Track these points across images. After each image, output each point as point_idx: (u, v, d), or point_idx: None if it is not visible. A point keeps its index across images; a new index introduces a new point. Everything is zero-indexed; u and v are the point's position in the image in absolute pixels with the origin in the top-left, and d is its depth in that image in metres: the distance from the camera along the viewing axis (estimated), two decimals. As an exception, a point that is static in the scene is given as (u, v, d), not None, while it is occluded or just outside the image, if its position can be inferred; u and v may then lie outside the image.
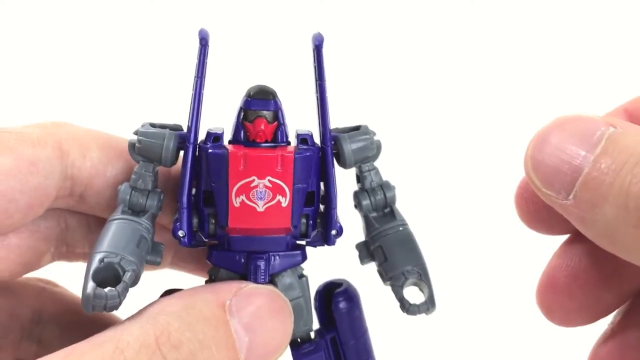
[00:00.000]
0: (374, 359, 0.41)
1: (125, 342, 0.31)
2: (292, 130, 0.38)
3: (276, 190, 0.36)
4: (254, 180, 0.35)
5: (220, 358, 0.33)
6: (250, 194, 0.35)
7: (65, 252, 0.40)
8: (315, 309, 0.41)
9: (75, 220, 0.40)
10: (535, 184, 0.34)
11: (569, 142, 0.33)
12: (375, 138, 0.38)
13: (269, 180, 0.35)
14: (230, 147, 0.36)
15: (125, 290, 0.33)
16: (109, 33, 0.81)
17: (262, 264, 0.37)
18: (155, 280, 0.42)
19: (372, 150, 0.38)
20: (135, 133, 0.37)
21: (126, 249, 0.34)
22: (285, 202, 0.36)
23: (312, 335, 0.40)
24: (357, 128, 0.39)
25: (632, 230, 0.31)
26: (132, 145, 0.37)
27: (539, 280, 0.40)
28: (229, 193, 0.35)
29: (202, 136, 0.37)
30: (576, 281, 0.39)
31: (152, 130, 0.37)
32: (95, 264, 0.33)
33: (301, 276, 0.39)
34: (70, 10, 0.81)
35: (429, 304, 0.37)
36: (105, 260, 0.34)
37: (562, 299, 0.40)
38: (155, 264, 0.36)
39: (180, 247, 0.42)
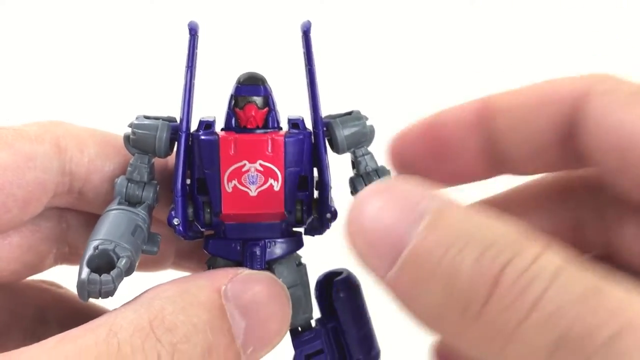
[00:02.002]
0: (378, 349, 0.40)
1: (118, 326, 0.31)
2: (284, 116, 0.38)
3: (268, 173, 0.36)
4: (245, 164, 0.35)
5: (216, 342, 0.32)
6: (242, 179, 0.36)
7: (68, 253, 0.41)
8: (316, 298, 0.40)
9: (76, 220, 0.40)
10: (357, 250, 0.31)
11: (392, 209, 0.30)
12: (368, 123, 0.38)
13: (260, 164, 0.36)
14: (221, 133, 0.36)
15: (120, 276, 0.33)
16: (100, 28, 0.82)
17: (257, 250, 0.37)
18: (158, 280, 0.42)
19: (365, 134, 0.38)
20: (130, 125, 0.37)
21: (122, 237, 0.34)
22: (277, 185, 0.36)
23: (313, 323, 0.39)
24: (349, 114, 0.39)
25: (458, 316, 0.28)
26: (126, 138, 0.38)
27: None
28: (221, 179, 0.36)
29: (195, 126, 0.37)
30: None
31: (146, 121, 0.37)
32: (89, 251, 0.34)
33: (299, 264, 0.39)
34: (61, 9, 0.82)
35: None
36: (100, 247, 0.34)
37: None
38: (152, 254, 0.36)
39: (182, 246, 0.42)
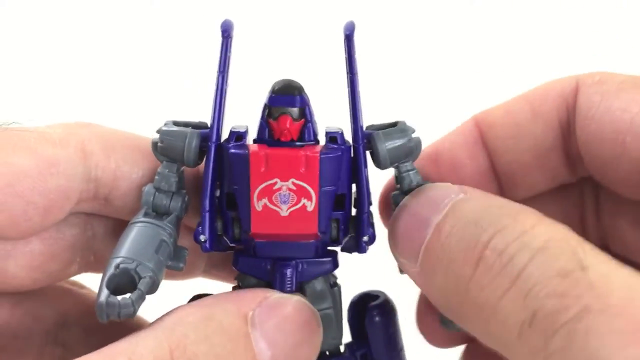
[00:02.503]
0: None
1: (139, 355, 0.29)
2: (323, 128, 0.35)
3: (301, 193, 0.33)
4: (276, 182, 0.33)
5: None
6: (273, 197, 0.33)
7: (93, 261, 0.39)
8: (348, 321, 0.38)
9: (102, 228, 0.39)
10: (393, 253, 0.34)
11: (421, 209, 0.32)
12: (414, 135, 0.35)
13: (292, 183, 0.33)
14: (252, 146, 0.33)
15: (140, 298, 0.31)
16: (132, 30, 0.80)
17: (288, 271, 0.34)
18: (187, 286, 0.41)
19: (410, 149, 0.35)
20: (158, 132, 0.35)
21: (144, 254, 0.32)
22: (311, 206, 0.33)
23: (342, 349, 0.37)
24: (394, 125, 0.36)
25: (455, 295, 0.30)
26: (154, 145, 0.35)
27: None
28: (250, 196, 0.33)
29: (226, 135, 0.35)
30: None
31: (174, 129, 0.35)
32: (110, 270, 0.32)
33: (333, 285, 0.36)
34: (92, 9, 0.81)
35: None
36: (121, 266, 0.32)
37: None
38: (178, 270, 0.34)
39: (214, 254, 0.40)
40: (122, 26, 0.81)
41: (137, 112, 0.38)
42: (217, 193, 0.35)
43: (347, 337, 0.38)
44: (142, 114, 0.37)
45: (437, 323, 0.38)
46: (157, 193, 0.35)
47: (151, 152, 0.36)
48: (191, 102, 0.39)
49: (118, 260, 0.32)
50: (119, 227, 0.38)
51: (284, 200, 0.33)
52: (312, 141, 0.34)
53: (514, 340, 0.27)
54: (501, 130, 0.37)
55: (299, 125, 0.34)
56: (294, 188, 0.33)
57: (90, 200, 0.36)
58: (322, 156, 0.33)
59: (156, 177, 0.35)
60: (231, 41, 0.33)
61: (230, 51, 0.33)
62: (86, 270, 0.39)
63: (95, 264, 0.39)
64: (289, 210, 0.33)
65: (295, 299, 0.33)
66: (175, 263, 0.34)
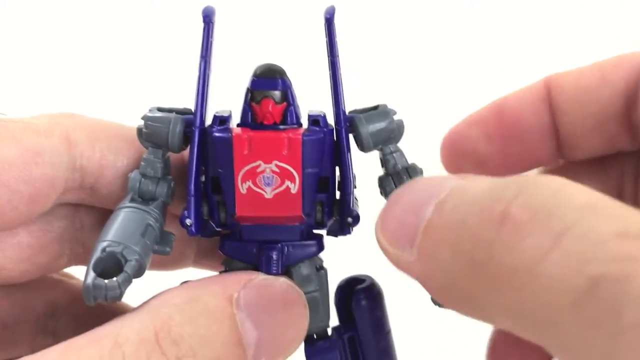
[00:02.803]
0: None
1: (124, 337, 0.30)
2: (305, 112, 0.35)
3: (284, 175, 0.33)
4: (260, 164, 0.33)
5: (225, 354, 0.31)
6: (257, 180, 0.33)
7: (82, 253, 0.39)
8: (335, 304, 0.38)
9: (90, 219, 0.39)
10: (382, 245, 0.30)
11: (416, 196, 0.29)
12: (396, 117, 0.35)
13: (275, 165, 0.33)
14: (236, 129, 0.34)
15: (127, 281, 0.31)
16: (112, 16, 0.80)
17: (274, 254, 0.34)
18: (177, 276, 0.41)
19: (393, 131, 0.35)
20: (142, 118, 0.35)
21: (131, 238, 0.33)
22: (294, 188, 0.33)
23: (329, 332, 0.37)
24: (375, 108, 0.36)
25: (468, 272, 0.25)
26: (139, 131, 0.36)
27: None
28: (234, 179, 0.33)
29: (210, 120, 0.35)
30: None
31: (159, 114, 0.35)
32: (97, 253, 0.32)
33: (320, 268, 0.36)
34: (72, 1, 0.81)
35: None
36: (107, 249, 0.32)
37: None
38: (164, 254, 0.35)
39: (203, 244, 0.40)
40: (104, 14, 0.80)
41: (120, 101, 0.38)
42: (203, 178, 0.35)
43: (334, 320, 0.38)
44: (125, 101, 0.38)
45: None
46: (143, 179, 0.35)
47: (136, 140, 0.36)
48: (175, 88, 0.40)
49: (104, 244, 0.32)
50: (107, 218, 0.38)
51: (268, 183, 0.33)
52: (294, 124, 0.34)
53: (565, 312, 0.22)
54: (569, 92, 0.38)
55: (281, 109, 0.34)
56: (277, 170, 0.33)
57: (76, 190, 0.36)
58: (305, 138, 0.33)
59: (142, 163, 0.35)
60: (213, 26, 0.33)
61: (212, 36, 0.33)
62: (76, 263, 0.39)
63: (84, 256, 0.39)
64: (272, 193, 0.33)
65: (281, 280, 0.34)
66: (162, 247, 0.34)
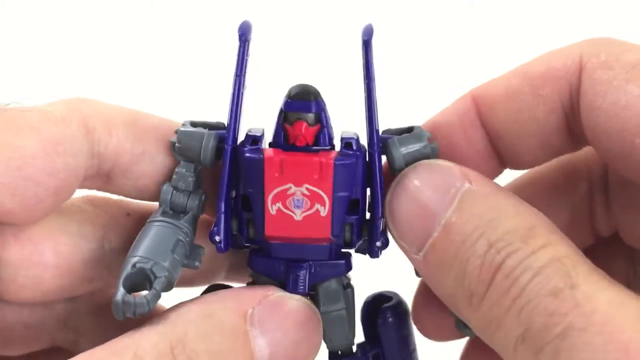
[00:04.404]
0: None
1: (143, 350, 0.30)
2: (339, 131, 0.35)
3: (314, 198, 0.33)
4: (290, 187, 0.33)
5: None
6: (287, 202, 0.33)
7: (107, 276, 0.38)
8: (361, 321, 0.38)
9: (117, 242, 0.38)
10: (391, 232, 0.34)
11: (424, 196, 0.33)
12: (430, 142, 0.35)
13: (306, 188, 0.33)
14: (267, 151, 0.34)
15: (155, 297, 0.32)
16: (150, 29, 0.79)
17: (302, 273, 0.35)
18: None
19: (427, 155, 0.35)
20: (176, 132, 0.36)
21: (161, 254, 0.33)
22: (324, 211, 0.33)
23: (354, 349, 0.37)
24: (409, 129, 0.35)
25: (466, 304, 0.31)
26: (172, 145, 0.36)
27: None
28: (264, 200, 0.33)
29: (242, 137, 0.35)
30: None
31: (191, 129, 0.35)
32: (127, 269, 0.33)
33: (347, 286, 0.36)
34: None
35: None
36: (138, 265, 0.33)
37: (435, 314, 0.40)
38: (193, 268, 0.35)
39: (235, 259, 0.40)
40: (141, 25, 0.80)
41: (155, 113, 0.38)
42: (233, 194, 0.35)
43: (359, 337, 0.38)
44: (160, 114, 0.37)
45: (433, 316, 0.39)
46: (174, 192, 0.36)
47: (152, 127, 0.36)
48: (208, 102, 0.39)
49: (134, 260, 0.33)
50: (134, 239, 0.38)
51: (298, 205, 0.33)
52: (327, 146, 0.34)
53: (510, 354, 0.29)
54: (502, 114, 0.35)
55: (314, 131, 0.34)
56: (308, 194, 0.33)
57: (94, 178, 0.36)
58: (337, 162, 0.33)
59: (174, 176, 0.36)
60: (249, 44, 0.33)
61: (247, 54, 0.33)
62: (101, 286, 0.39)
63: (107, 279, 0.38)
64: (302, 215, 0.33)
65: (297, 297, 0.34)
66: (191, 262, 0.35)
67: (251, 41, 0.33)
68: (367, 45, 0.32)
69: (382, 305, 0.37)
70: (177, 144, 0.35)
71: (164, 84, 0.72)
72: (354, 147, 0.34)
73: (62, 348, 0.40)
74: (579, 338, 0.27)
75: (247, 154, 0.33)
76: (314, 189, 0.33)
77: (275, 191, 0.33)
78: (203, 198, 0.36)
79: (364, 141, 0.35)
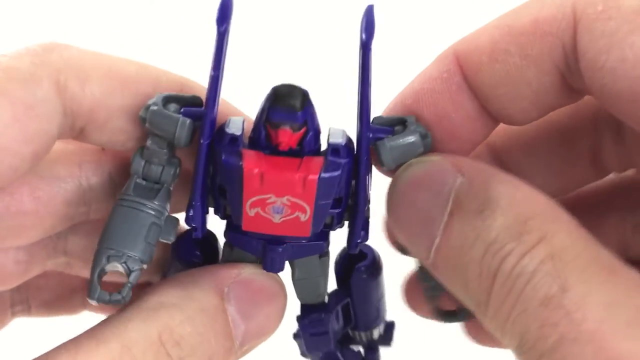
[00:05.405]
0: (383, 319, 0.40)
1: (131, 340, 0.31)
2: (326, 126, 0.32)
3: (295, 207, 0.31)
4: (271, 197, 0.31)
5: (217, 349, 0.33)
6: (267, 208, 0.32)
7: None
8: (335, 272, 0.39)
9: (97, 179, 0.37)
10: (399, 241, 0.33)
11: (420, 200, 0.31)
12: (425, 136, 0.32)
13: (287, 200, 0.31)
14: (246, 155, 0.31)
15: (130, 291, 0.32)
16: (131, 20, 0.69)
17: (277, 256, 0.34)
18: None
19: (418, 152, 0.32)
20: (146, 108, 0.32)
21: (133, 245, 0.32)
22: (304, 217, 0.32)
23: (326, 299, 0.38)
24: (402, 122, 0.32)
25: (475, 310, 0.31)
26: (142, 119, 0.32)
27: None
28: (242, 203, 0.32)
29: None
30: None
31: (164, 112, 0.32)
32: (100, 263, 0.32)
33: (323, 255, 0.36)
34: None
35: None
36: (111, 260, 0.32)
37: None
38: (169, 242, 0.34)
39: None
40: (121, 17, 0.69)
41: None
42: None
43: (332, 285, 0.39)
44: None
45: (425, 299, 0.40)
46: (147, 164, 0.33)
47: (130, 78, 0.33)
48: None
49: (108, 253, 0.32)
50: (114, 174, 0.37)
51: (278, 211, 0.32)
52: (312, 150, 0.31)
53: None
54: (489, 78, 0.32)
55: (298, 136, 0.31)
56: (289, 204, 0.31)
57: (66, 134, 0.34)
58: (322, 176, 0.31)
59: (146, 150, 0.33)
60: (228, 35, 0.28)
61: (226, 45, 0.28)
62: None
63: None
64: (282, 219, 0.32)
65: (266, 274, 0.35)
66: (166, 235, 0.34)
67: (230, 32, 0.28)
68: (365, 47, 0.28)
69: (356, 265, 0.38)
70: (147, 124, 0.32)
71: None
72: (342, 154, 0.31)
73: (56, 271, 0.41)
74: (569, 349, 0.27)
75: (224, 157, 0.31)
76: (296, 200, 0.31)
77: (254, 198, 0.31)
78: (177, 169, 0.34)
79: (351, 134, 0.32)
